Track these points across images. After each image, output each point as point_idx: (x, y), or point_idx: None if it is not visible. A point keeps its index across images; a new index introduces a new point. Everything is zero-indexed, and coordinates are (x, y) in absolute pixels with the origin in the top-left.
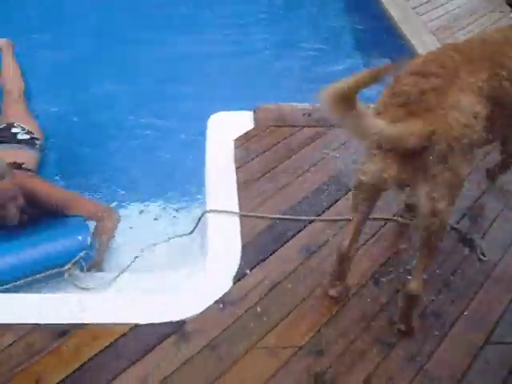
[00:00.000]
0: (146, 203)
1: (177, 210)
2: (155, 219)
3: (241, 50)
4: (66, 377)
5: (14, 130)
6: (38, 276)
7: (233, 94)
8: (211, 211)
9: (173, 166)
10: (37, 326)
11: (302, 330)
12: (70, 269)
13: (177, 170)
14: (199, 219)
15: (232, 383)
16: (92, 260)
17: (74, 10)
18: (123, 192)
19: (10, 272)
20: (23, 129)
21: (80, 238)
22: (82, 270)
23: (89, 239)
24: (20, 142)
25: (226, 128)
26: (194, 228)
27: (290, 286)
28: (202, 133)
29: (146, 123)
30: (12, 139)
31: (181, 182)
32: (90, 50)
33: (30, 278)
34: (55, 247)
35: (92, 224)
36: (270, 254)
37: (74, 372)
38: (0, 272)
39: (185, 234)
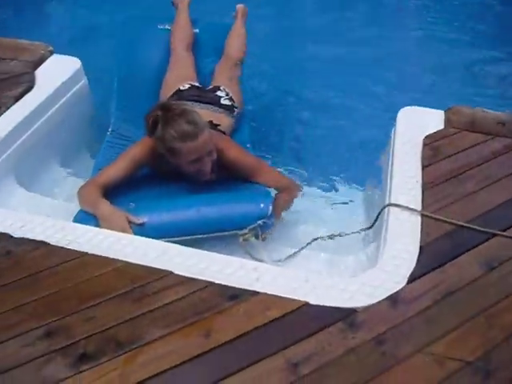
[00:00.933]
0: (323, 185)
1: (352, 199)
2: (332, 204)
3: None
4: (235, 338)
5: (218, 94)
6: (214, 234)
7: (425, 90)
8: (393, 205)
9: (356, 152)
10: (210, 284)
11: (473, 345)
12: (246, 234)
13: (358, 157)
14: (380, 212)
15: (392, 382)
16: (268, 229)
17: None
18: (303, 172)
19: (189, 227)
20: (227, 94)
21: (262, 205)
22: (257, 237)
23: (270, 208)
24: (221, 106)
25: (416, 124)
26: (375, 222)
27: (465, 297)
28: (388, 125)
29: (336, 104)
30: (215, 102)
31: (361, 169)
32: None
33: (205, 236)
34: (236, 210)
35: (273, 192)
36: (448, 261)
37: (242, 335)
38: (180, 226)
39: (366, 228)
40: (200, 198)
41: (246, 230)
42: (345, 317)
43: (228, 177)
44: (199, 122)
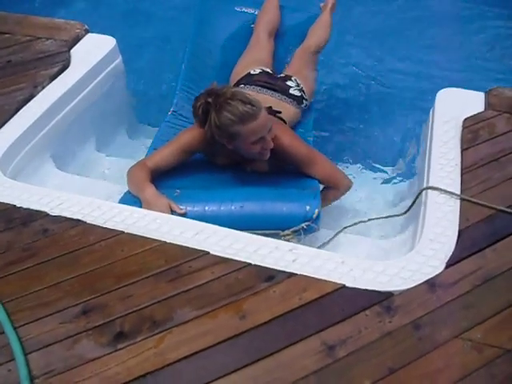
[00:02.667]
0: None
1: (387, 181)
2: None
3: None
4: (271, 320)
5: (288, 83)
6: (255, 232)
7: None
8: (431, 188)
9: (393, 135)
10: (246, 265)
11: None
12: (288, 235)
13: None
14: (417, 196)
15: (429, 367)
16: (312, 232)
17: None
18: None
19: (231, 222)
20: (298, 85)
21: (308, 208)
22: (299, 239)
23: (316, 211)
24: (289, 96)
25: (456, 106)
26: (411, 206)
27: (505, 283)
28: (427, 107)
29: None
30: (283, 91)
31: (397, 152)
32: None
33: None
34: (281, 209)
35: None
36: (488, 246)
37: (278, 317)
38: (221, 220)
39: (401, 214)
40: (246, 192)
41: (288, 231)
42: (382, 300)
43: (279, 167)
44: (254, 100)
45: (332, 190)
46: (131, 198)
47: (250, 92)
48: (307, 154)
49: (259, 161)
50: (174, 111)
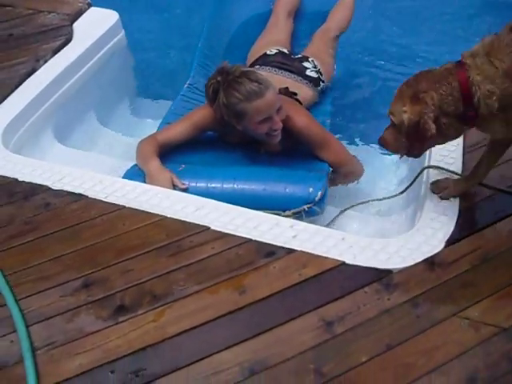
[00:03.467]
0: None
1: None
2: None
3: None
4: (270, 295)
5: (305, 64)
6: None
7: None
8: (433, 167)
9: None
10: (247, 241)
11: (509, 312)
12: (289, 216)
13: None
14: (418, 175)
15: (426, 344)
16: (314, 215)
17: None
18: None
19: (230, 200)
20: (315, 66)
21: (311, 190)
22: (300, 220)
23: (319, 194)
24: (305, 77)
25: None
26: (411, 184)
27: (503, 263)
28: None
29: None
30: (299, 72)
31: None
32: None
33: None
34: (283, 190)
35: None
36: (487, 226)
37: (277, 292)
38: (220, 198)
39: (397, 194)
40: (250, 171)
41: (289, 212)
42: (381, 278)
43: (293, 148)
44: (262, 79)
45: (340, 176)
46: (137, 171)
47: (266, 73)
48: (321, 137)
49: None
50: (190, 84)
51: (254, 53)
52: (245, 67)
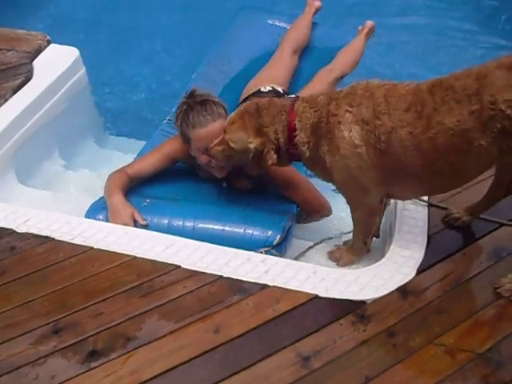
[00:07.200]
0: None
1: None
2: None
3: None
4: (245, 332)
5: None
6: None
7: None
8: None
9: None
10: (219, 278)
11: (483, 337)
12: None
13: None
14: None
15: (404, 374)
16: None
17: None
18: None
19: (190, 237)
20: None
21: (270, 233)
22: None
23: (278, 238)
24: None
25: None
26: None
27: (475, 287)
28: None
29: None
30: None
31: None
32: None
33: None
34: (242, 231)
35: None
36: (457, 251)
37: (252, 329)
38: (181, 232)
39: None
40: (213, 209)
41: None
42: (355, 309)
43: (263, 186)
44: (214, 111)
45: (307, 217)
46: (102, 203)
47: None
48: (288, 178)
49: (242, 178)
50: (169, 120)
51: (250, 88)
52: (209, 96)
